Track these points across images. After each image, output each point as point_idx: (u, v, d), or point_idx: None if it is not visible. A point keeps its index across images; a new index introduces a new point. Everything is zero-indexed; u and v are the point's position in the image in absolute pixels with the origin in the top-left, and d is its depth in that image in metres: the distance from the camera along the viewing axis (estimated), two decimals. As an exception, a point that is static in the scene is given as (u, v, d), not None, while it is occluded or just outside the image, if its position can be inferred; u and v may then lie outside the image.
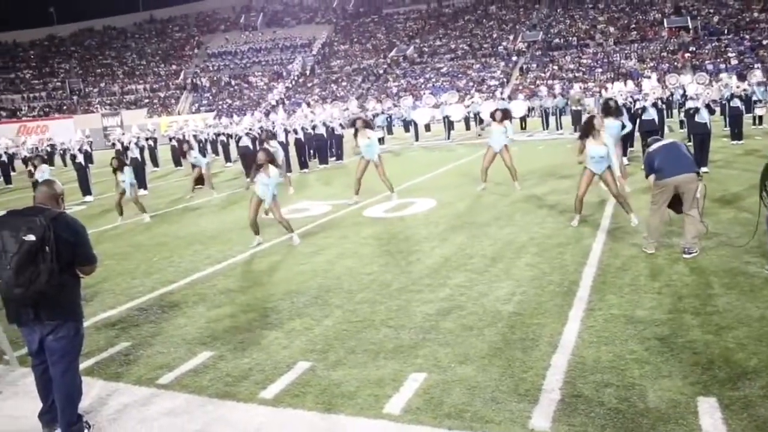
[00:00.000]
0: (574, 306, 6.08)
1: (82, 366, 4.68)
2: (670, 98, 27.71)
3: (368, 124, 13.50)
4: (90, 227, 4.30)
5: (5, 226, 4.21)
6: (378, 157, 12.92)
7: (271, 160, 9.91)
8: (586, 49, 54.71)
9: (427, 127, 33.49)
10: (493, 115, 13.87)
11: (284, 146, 20.72)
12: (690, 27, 52.66)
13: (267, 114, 43.42)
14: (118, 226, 13.22)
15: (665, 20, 54.57)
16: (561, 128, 28.25)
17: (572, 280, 6.88)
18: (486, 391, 4.55)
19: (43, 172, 15.77)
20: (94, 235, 4.67)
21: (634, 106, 17.12)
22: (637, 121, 16.15)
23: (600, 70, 50.81)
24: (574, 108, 27.32)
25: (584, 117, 15.18)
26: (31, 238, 4.09)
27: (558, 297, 6.39)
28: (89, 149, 23.22)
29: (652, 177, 7.67)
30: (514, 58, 56.60)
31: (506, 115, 13.81)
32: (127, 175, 13.43)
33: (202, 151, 23.25)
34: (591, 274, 7.04)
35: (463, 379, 4.74)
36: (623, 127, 13.04)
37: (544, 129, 29.15)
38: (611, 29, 56.41)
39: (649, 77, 28.50)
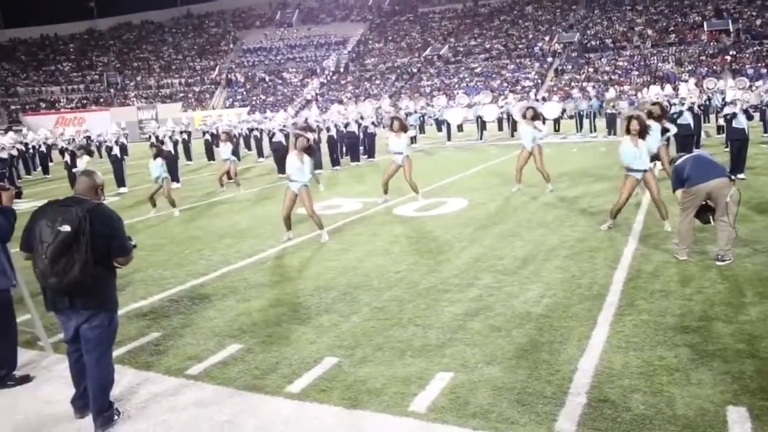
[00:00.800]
0: (604, 310, 6.04)
1: (114, 354, 4.76)
2: (708, 103, 27.30)
3: (404, 127, 13.45)
4: (123, 218, 4.39)
5: (43, 216, 4.32)
6: (407, 160, 12.88)
7: (309, 147, 9.96)
8: (623, 52, 54.10)
9: (460, 127, 33.41)
10: (524, 114, 13.78)
11: (317, 143, 20.82)
12: (731, 30, 51.76)
13: (300, 110, 43.70)
14: (151, 218, 13.41)
15: (705, 23, 53.71)
16: (595, 131, 27.97)
17: (602, 284, 6.83)
18: (512, 392, 4.55)
19: (84, 163, 16.08)
20: (127, 226, 4.76)
21: (670, 110, 16.88)
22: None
23: (636, 73, 50.20)
24: (608, 111, 27.05)
25: (619, 120, 15.01)
26: (67, 228, 4.18)
27: (587, 301, 6.35)
28: (125, 142, 23.61)
29: (679, 191, 7.61)
30: (549, 59, 56.17)
31: (536, 114, 13.71)
32: (159, 168, 13.61)
33: (235, 147, 23.46)
34: (621, 279, 6.98)
35: (490, 380, 4.74)
36: (665, 131, 12.85)
37: (577, 131, 28.91)
38: (649, 31, 55.67)
39: (687, 81, 28.12)
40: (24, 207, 6.42)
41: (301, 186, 9.89)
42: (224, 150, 16.87)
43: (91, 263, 4.22)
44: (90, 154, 17.30)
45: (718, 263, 7.25)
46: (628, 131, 9.23)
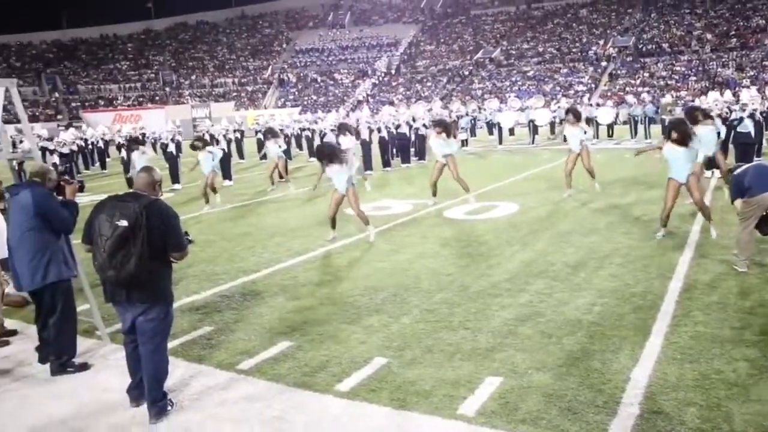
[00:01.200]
0: (658, 320, 5.92)
1: (168, 346, 4.86)
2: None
3: (447, 129, 13.43)
4: (178, 214, 4.51)
5: (102, 210, 4.45)
6: (451, 159, 12.91)
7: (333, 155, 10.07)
8: (680, 56, 52.88)
9: (512, 131, 33.12)
10: (567, 118, 13.62)
11: (367, 144, 20.92)
12: (796, 35, 50.15)
13: (351, 111, 43.93)
14: (203, 214, 13.65)
15: (768, 27, 52.15)
16: (650, 137, 27.41)
17: (656, 294, 6.69)
18: (563, 399, 4.50)
19: (144, 154, 16.43)
20: (181, 221, 4.87)
21: (730, 116, 16.44)
22: (732, 132, 15.51)
23: (694, 78, 49.02)
24: (664, 117, 26.47)
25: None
26: (124, 223, 4.30)
27: (641, 310, 6.23)
28: (180, 139, 24.08)
29: (738, 201, 7.42)
30: (603, 64, 55.27)
31: (579, 116, 13.55)
32: (208, 159, 13.91)
33: (287, 146, 23.73)
34: (677, 289, 6.83)
35: (540, 386, 4.69)
36: (719, 134, 12.54)
37: (632, 137, 28.37)
38: (708, 36, 54.30)
39: (748, 87, 27.34)
40: (84, 200, 6.62)
41: (348, 186, 9.97)
42: (272, 148, 17.08)
43: (147, 257, 4.33)
44: (142, 143, 17.65)
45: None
46: (669, 138, 9.06)
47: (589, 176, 13.29)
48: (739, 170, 7.61)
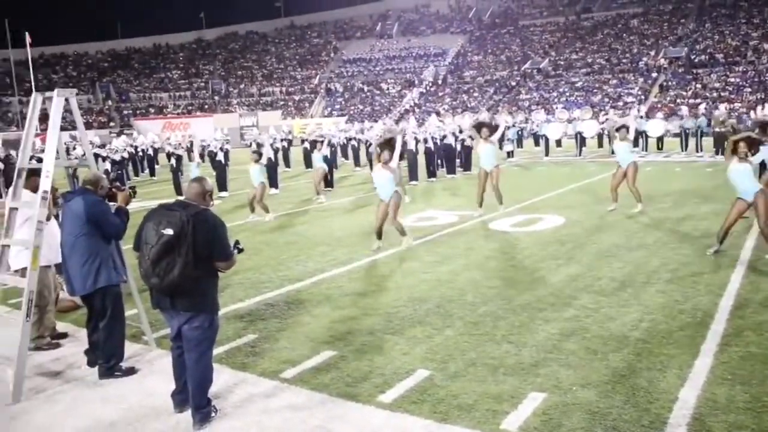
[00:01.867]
0: (707, 339, 5.78)
1: (213, 354, 4.94)
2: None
3: (493, 130, 13.46)
4: (224, 222, 4.57)
5: (151, 218, 4.54)
6: (496, 168, 12.95)
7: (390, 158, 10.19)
8: (735, 67, 51.68)
9: (558, 143, 32.77)
10: (618, 134, 13.34)
11: (413, 154, 20.96)
12: None
13: (397, 121, 44.02)
14: (249, 222, 13.84)
15: (828, 38, 50.63)
16: (701, 150, 26.83)
17: (706, 312, 6.54)
18: (607, 417, 4.42)
19: (195, 163, 16.65)
20: (228, 229, 4.93)
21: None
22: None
23: (749, 90, 47.84)
24: (717, 129, 25.87)
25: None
26: (169, 232, 4.37)
27: (690, 328, 6.10)
28: (228, 148, 24.49)
29: None
30: (654, 75, 54.35)
31: (627, 131, 13.30)
32: (259, 173, 14.07)
33: (333, 155, 23.92)
34: (727, 308, 6.66)
35: (584, 404, 4.63)
36: None
37: (682, 150, 27.80)
38: (766, 46, 52.97)
39: (805, 100, 26.55)
40: (134, 207, 6.79)
41: (392, 196, 10.02)
42: (316, 157, 17.24)
43: (192, 266, 4.38)
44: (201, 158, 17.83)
45: None
46: (734, 152, 8.81)
47: (634, 197, 12.93)
48: None
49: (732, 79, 50.19)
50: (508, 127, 31.39)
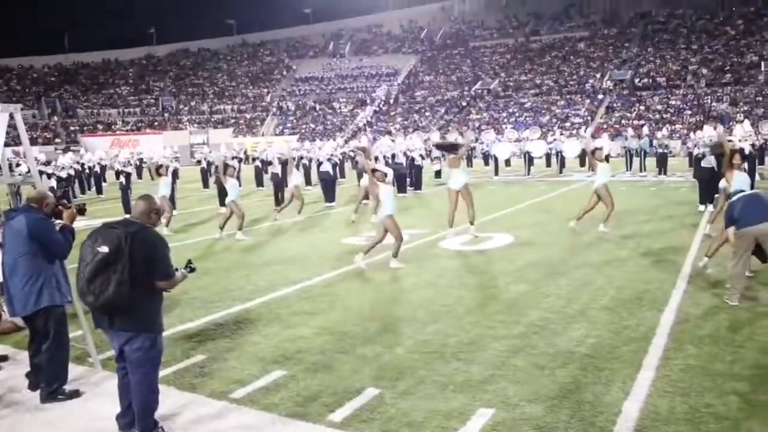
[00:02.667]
0: (650, 353, 5.94)
1: (160, 374, 4.85)
2: (764, 145, 26.78)
3: (457, 148, 13.54)
4: (170, 240, 4.52)
5: (90, 237, 4.45)
6: (465, 187, 12.93)
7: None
8: (676, 90, 53.43)
9: (508, 162, 33.33)
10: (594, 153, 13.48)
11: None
12: (789, 71, 50.75)
13: (349, 140, 44.12)
14: (199, 242, 13.68)
15: (763, 63, 52.74)
16: (645, 170, 27.61)
17: (649, 326, 6.72)
18: (554, 432, 4.51)
19: (163, 184, 16.02)
20: (173, 248, 4.88)
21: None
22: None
23: (689, 112, 49.49)
24: (659, 150, 26.70)
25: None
26: (104, 249, 4.29)
27: (633, 343, 6.26)
28: (177, 165, 24.20)
29: (731, 229, 7.50)
30: (600, 97, 55.80)
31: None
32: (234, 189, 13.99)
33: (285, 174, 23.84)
34: (669, 322, 6.86)
35: (532, 419, 4.70)
36: None
37: (627, 170, 28.56)
38: (704, 71, 54.94)
39: (742, 122, 27.63)
40: (80, 225, 6.68)
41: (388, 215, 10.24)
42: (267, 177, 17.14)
43: (127, 285, 4.28)
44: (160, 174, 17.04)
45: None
46: (732, 166, 8.81)
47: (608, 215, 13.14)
48: (735, 197, 7.68)
49: (673, 102, 51.87)
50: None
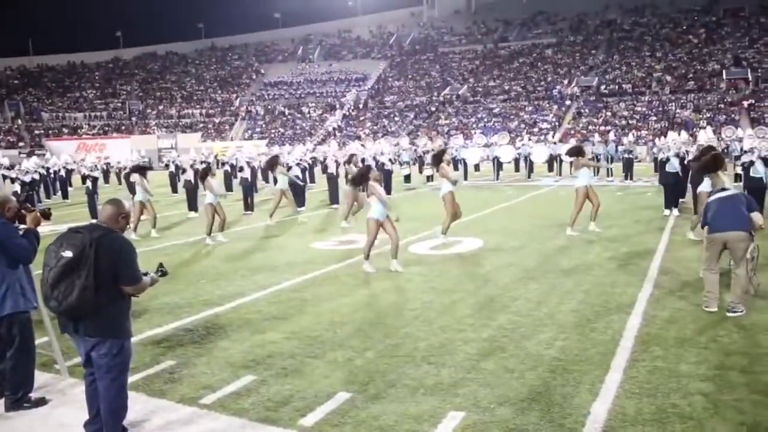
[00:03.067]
0: (617, 355, 6.03)
1: (129, 380, 4.78)
2: (726, 150, 27.35)
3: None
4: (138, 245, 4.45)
5: (55, 242, 4.38)
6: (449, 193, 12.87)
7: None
8: (641, 97, 54.32)
9: (477, 167, 33.54)
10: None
11: (335, 178, 21.03)
12: (750, 79, 51.91)
13: (318, 145, 44.02)
14: (167, 247, 13.53)
15: (724, 71, 53.90)
16: (611, 175, 28.01)
17: (616, 329, 6.82)
18: (524, 434, 4.55)
19: (141, 186, 15.51)
20: (141, 253, 4.82)
21: (688, 156, 16.89)
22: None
23: (654, 118, 50.33)
24: (625, 156, 27.11)
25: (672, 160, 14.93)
26: (68, 254, 4.21)
27: (601, 345, 6.34)
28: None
29: (707, 228, 7.57)
30: (567, 103, 56.48)
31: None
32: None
33: (253, 178, 23.71)
34: (636, 325, 6.96)
35: (502, 421, 4.74)
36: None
37: (594, 175, 28.92)
38: (668, 78, 55.94)
39: (705, 128, 28.20)
40: (45, 230, 6.57)
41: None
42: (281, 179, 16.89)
43: (91, 290, 4.21)
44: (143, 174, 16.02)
45: (729, 314, 7.16)
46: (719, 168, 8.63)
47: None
48: (712, 198, 7.61)
49: (639, 108, 52.71)
50: (427, 152, 31.93)
